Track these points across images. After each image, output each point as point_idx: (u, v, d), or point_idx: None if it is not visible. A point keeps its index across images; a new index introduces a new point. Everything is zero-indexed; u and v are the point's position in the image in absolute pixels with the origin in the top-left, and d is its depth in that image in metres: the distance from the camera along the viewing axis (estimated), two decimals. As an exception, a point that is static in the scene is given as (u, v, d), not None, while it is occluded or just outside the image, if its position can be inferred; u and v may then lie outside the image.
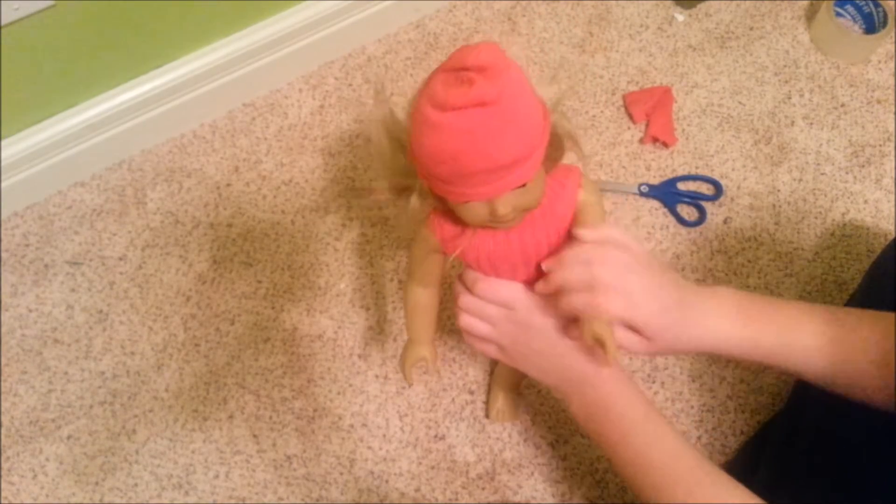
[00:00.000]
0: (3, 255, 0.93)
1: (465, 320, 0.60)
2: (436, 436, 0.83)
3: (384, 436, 0.83)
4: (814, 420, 0.66)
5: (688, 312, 0.54)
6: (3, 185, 0.91)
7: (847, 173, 0.98)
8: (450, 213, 0.53)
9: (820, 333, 0.54)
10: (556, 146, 0.51)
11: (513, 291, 0.57)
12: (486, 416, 0.83)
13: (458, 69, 0.43)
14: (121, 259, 0.92)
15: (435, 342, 0.64)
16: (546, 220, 0.53)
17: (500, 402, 0.82)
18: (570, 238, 0.55)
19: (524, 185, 0.47)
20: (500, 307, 0.58)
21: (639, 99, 1.01)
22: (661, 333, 0.54)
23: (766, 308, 0.56)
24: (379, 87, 0.55)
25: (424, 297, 0.62)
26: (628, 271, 0.52)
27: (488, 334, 0.59)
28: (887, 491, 0.55)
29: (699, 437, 0.82)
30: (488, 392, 0.84)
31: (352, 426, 0.84)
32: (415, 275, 0.61)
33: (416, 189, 0.52)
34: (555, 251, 0.55)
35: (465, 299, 0.59)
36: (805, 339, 0.54)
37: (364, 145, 0.52)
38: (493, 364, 0.86)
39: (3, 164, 0.89)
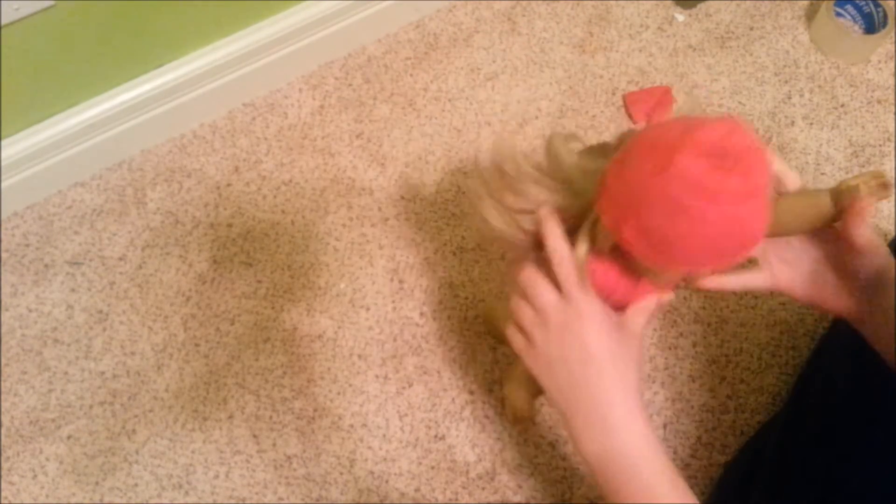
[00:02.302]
0: (3, 255, 0.93)
1: (515, 300, 0.54)
2: (436, 436, 0.83)
3: (384, 436, 0.83)
4: (814, 420, 0.66)
5: None
6: (3, 185, 0.91)
7: (847, 173, 0.98)
8: (606, 263, 0.50)
9: None
10: None
11: (583, 291, 0.51)
12: (506, 413, 0.82)
13: (721, 154, 0.41)
14: (121, 259, 0.92)
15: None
16: None
17: (520, 401, 0.81)
18: None
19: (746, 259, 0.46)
20: (554, 297, 0.51)
21: (639, 99, 1.01)
22: None
23: None
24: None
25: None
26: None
27: (529, 321, 0.53)
28: (887, 490, 0.55)
29: (699, 437, 0.82)
30: (506, 391, 0.83)
31: (352, 426, 0.84)
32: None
33: (583, 235, 0.49)
34: None
35: (528, 272, 0.53)
36: None
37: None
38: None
39: (3, 164, 0.89)
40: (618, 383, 0.49)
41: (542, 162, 0.51)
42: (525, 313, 0.53)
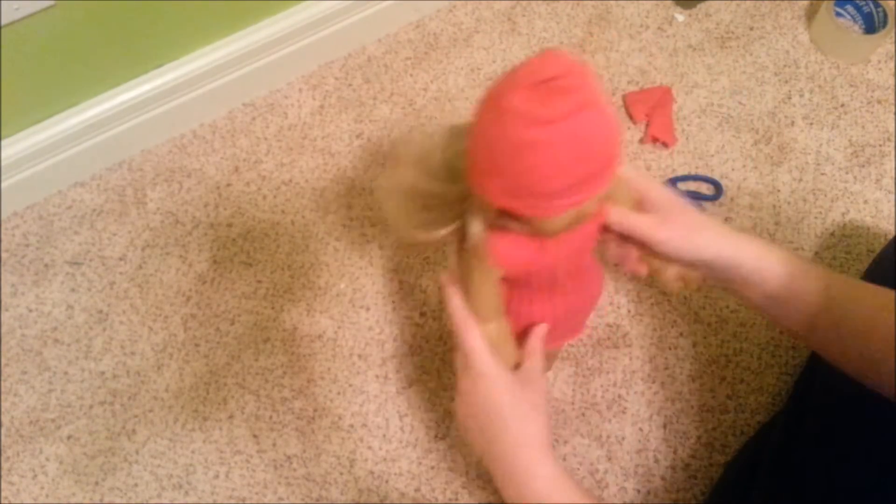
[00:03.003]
0: (3, 255, 0.93)
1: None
2: (436, 436, 0.83)
3: (384, 436, 0.83)
4: (813, 420, 0.66)
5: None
6: (3, 185, 0.91)
7: (847, 173, 0.98)
8: (512, 237, 0.50)
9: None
10: None
11: (481, 352, 0.55)
12: None
13: (542, 81, 0.41)
14: (121, 259, 0.92)
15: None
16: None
17: None
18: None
19: (615, 175, 0.47)
20: (461, 364, 0.57)
21: (639, 99, 1.01)
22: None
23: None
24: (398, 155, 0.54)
25: (497, 333, 0.57)
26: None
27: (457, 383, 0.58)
28: (887, 491, 0.55)
29: (699, 437, 0.83)
30: None
31: (352, 426, 0.84)
32: (480, 315, 0.56)
33: (471, 216, 0.49)
34: (593, 242, 0.56)
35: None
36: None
37: (388, 196, 0.50)
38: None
39: (3, 164, 0.89)
40: (520, 437, 0.53)
41: (421, 158, 0.52)
42: (459, 381, 0.58)
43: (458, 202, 0.50)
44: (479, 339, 0.55)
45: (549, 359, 0.77)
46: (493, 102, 0.43)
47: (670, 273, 0.57)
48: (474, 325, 0.56)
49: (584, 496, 0.53)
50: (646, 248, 0.56)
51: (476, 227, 0.50)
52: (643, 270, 0.59)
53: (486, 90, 0.44)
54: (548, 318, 0.60)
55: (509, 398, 0.54)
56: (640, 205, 0.57)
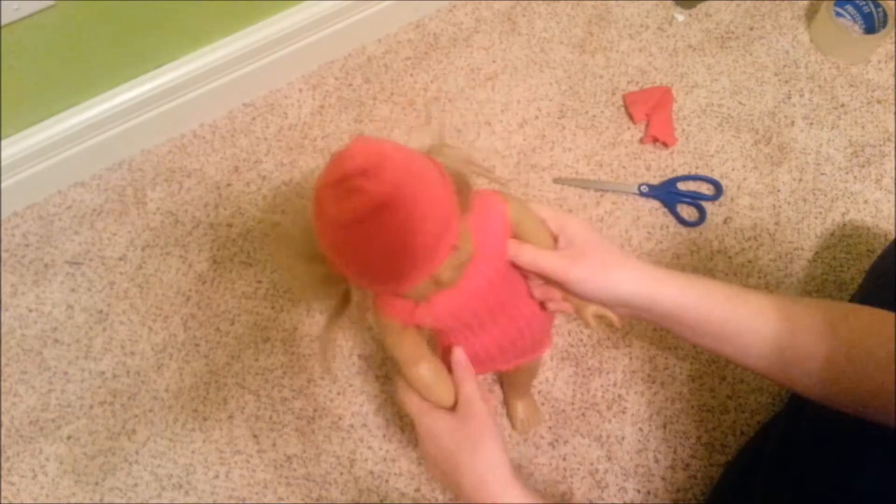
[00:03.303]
0: (3, 255, 0.93)
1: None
2: (436, 436, 0.83)
3: (384, 436, 0.83)
4: (813, 420, 0.66)
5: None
6: (3, 185, 0.91)
7: (847, 173, 0.98)
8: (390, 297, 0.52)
9: (767, 304, 0.54)
10: (461, 190, 0.48)
11: (411, 402, 0.57)
12: (513, 428, 0.83)
13: (340, 181, 0.41)
14: (121, 259, 0.92)
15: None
16: (486, 258, 0.52)
17: (521, 411, 0.82)
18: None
19: (455, 248, 0.46)
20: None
21: (639, 99, 1.01)
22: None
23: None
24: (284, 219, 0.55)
25: (430, 372, 0.57)
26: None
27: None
28: (888, 491, 0.55)
29: (699, 437, 0.82)
30: (505, 406, 0.84)
31: (352, 426, 0.84)
32: (404, 362, 0.56)
33: (349, 287, 0.50)
34: (507, 280, 0.55)
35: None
36: (754, 300, 0.54)
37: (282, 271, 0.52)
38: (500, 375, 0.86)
39: (3, 164, 0.89)
40: (474, 475, 0.54)
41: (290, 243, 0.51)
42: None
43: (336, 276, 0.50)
44: (405, 389, 0.57)
45: (528, 372, 0.77)
46: (314, 195, 0.44)
47: (589, 312, 0.56)
48: (400, 378, 0.57)
49: (536, 498, 0.53)
50: (562, 288, 0.55)
51: (357, 296, 0.50)
52: (568, 309, 0.58)
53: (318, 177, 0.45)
54: (491, 348, 0.59)
55: (450, 439, 0.55)
56: (557, 241, 0.56)
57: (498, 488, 0.53)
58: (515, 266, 0.55)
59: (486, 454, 0.54)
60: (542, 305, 0.59)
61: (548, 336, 0.64)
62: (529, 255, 0.54)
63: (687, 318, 0.54)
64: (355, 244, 0.43)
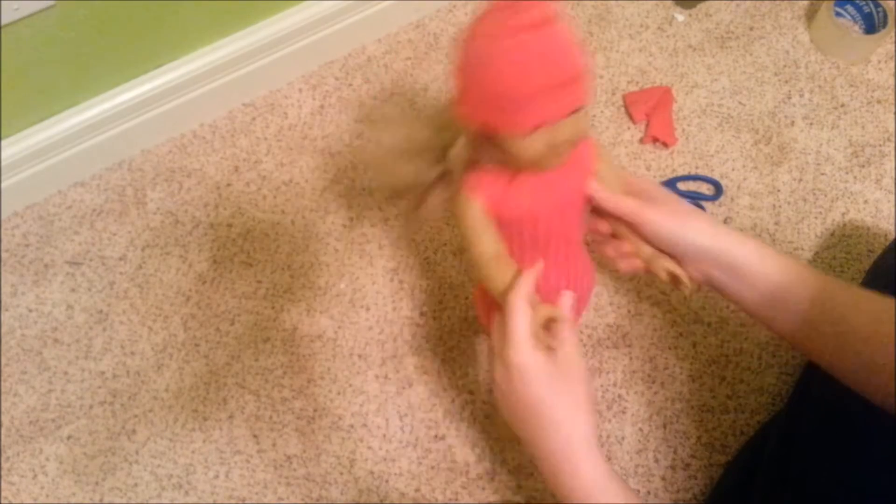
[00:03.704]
0: (3, 255, 0.93)
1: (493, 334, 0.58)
2: (436, 436, 0.83)
3: (384, 436, 0.83)
4: (814, 420, 0.66)
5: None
6: (3, 185, 0.91)
7: (847, 173, 0.98)
8: (486, 170, 0.54)
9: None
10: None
11: (522, 341, 0.53)
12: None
13: (510, 7, 0.46)
14: (121, 259, 0.92)
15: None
16: (575, 168, 0.56)
17: None
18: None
19: (581, 109, 0.49)
20: (497, 362, 0.55)
21: (639, 99, 1.01)
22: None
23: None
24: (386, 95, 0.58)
25: (510, 269, 0.57)
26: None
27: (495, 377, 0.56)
28: (887, 491, 0.55)
29: (699, 437, 0.83)
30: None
31: (352, 426, 0.84)
32: (480, 252, 0.56)
33: (455, 147, 0.54)
34: (585, 202, 0.58)
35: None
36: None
37: (375, 147, 0.53)
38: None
39: (3, 164, 0.89)
40: (560, 436, 0.52)
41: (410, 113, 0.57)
42: (494, 367, 0.56)
43: (442, 150, 0.55)
44: (524, 325, 0.52)
45: None
46: (470, 28, 0.49)
47: (660, 265, 0.56)
48: (526, 312, 0.53)
49: (629, 496, 0.51)
50: (636, 234, 0.56)
51: (456, 149, 0.54)
52: (637, 265, 0.59)
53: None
54: (555, 281, 0.60)
55: (549, 394, 0.52)
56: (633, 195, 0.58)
57: (581, 455, 0.51)
58: (593, 210, 0.58)
59: (577, 420, 0.52)
60: (615, 262, 0.61)
61: (580, 316, 0.68)
62: (609, 194, 0.56)
63: (754, 280, 0.54)
64: (525, 49, 0.46)
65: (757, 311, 0.56)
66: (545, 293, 0.60)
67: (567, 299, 0.58)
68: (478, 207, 0.56)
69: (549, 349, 0.54)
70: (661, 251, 0.57)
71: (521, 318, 0.53)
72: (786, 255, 0.55)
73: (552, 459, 0.52)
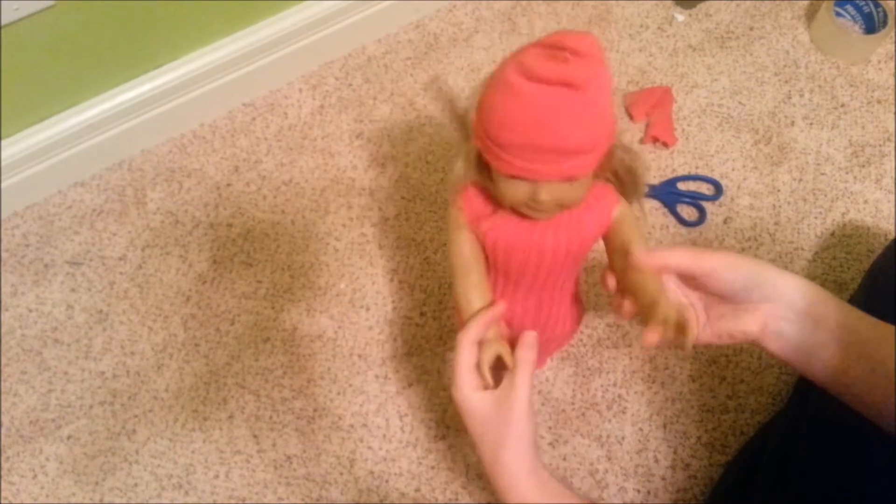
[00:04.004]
0: (3, 255, 0.93)
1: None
2: (436, 436, 0.83)
3: (384, 436, 0.83)
4: (813, 420, 0.66)
5: None
6: (3, 185, 0.91)
7: (847, 173, 0.98)
8: (484, 191, 0.54)
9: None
10: (618, 172, 0.53)
11: (460, 374, 0.56)
12: None
13: (554, 47, 0.44)
14: (121, 259, 0.92)
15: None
16: (572, 226, 0.54)
17: None
18: (623, 254, 0.55)
19: (572, 181, 0.48)
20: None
21: (639, 99, 1.01)
22: None
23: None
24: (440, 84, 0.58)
25: (477, 292, 0.59)
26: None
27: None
28: (887, 491, 0.55)
29: (699, 437, 0.82)
30: None
31: (352, 426, 0.84)
32: (457, 268, 0.58)
33: (462, 155, 0.53)
34: (571, 258, 0.56)
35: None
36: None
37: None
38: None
39: (3, 164, 0.89)
40: (495, 462, 0.55)
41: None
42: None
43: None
44: (466, 366, 0.56)
45: None
46: (518, 51, 0.46)
47: (671, 315, 0.52)
48: (471, 351, 0.56)
49: (569, 497, 0.55)
50: (693, 287, 0.56)
51: (458, 163, 0.53)
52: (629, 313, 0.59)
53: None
54: (524, 318, 0.61)
55: (479, 423, 0.56)
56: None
57: (516, 479, 0.55)
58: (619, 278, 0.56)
59: (509, 447, 0.55)
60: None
61: (546, 357, 0.66)
62: (660, 254, 0.55)
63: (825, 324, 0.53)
64: (523, 100, 0.44)
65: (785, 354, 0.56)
66: (515, 327, 0.60)
67: (528, 338, 0.59)
68: (464, 223, 0.56)
69: (492, 387, 0.57)
70: (724, 297, 0.55)
71: (465, 357, 0.56)
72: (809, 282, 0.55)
73: (492, 478, 0.57)
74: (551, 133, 0.45)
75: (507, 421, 0.55)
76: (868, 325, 0.52)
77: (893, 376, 0.50)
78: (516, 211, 0.53)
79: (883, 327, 0.52)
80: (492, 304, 0.59)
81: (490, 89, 0.47)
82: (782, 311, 0.54)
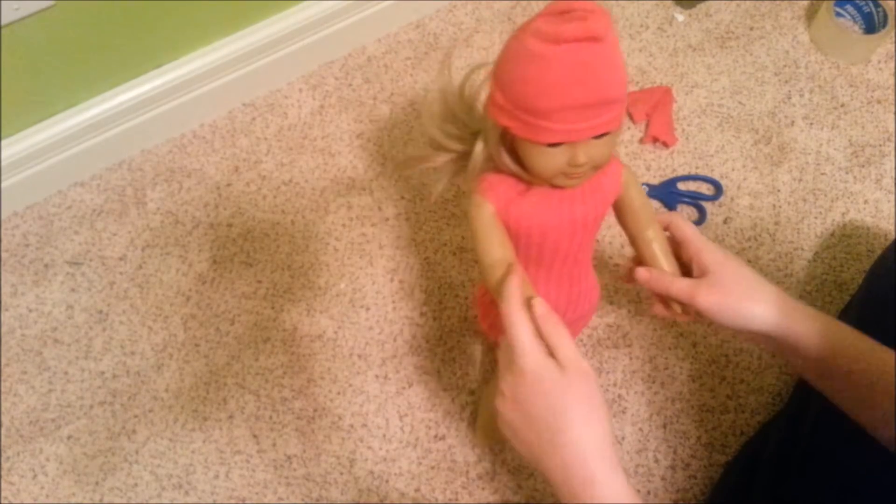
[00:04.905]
0: (3, 255, 0.93)
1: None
2: (436, 436, 0.83)
3: (384, 436, 0.83)
4: (814, 420, 0.66)
5: None
6: (3, 185, 0.91)
7: (847, 173, 0.98)
8: (504, 175, 0.54)
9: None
10: None
11: (528, 348, 0.50)
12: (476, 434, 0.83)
13: (564, 11, 0.45)
14: (121, 259, 0.92)
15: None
16: (596, 192, 0.55)
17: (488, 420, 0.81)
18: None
19: (611, 133, 0.49)
20: (510, 366, 0.51)
21: (639, 99, 1.01)
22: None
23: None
24: (446, 58, 0.58)
25: (506, 260, 0.56)
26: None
27: (503, 385, 0.52)
28: (886, 490, 0.55)
29: (699, 437, 0.82)
30: (477, 408, 0.84)
31: (352, 426, 0.84)
32: (486, 255, 0.55)
33: (478, 140, 0.53)
34: (596, 225, 0.58)
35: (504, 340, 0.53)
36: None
37: (421, 112, 0.55)
38: (483, 378, 0.86)
39: (3, 164, 0.89)
40: (579, 443, 0.48)
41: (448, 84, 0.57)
42: (502, 378, 0.53)
43: (472, 135, 0.55)
44: (526, 332, 0.50)
45: None
46: (519, 28, 0.47)
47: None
48: (524, 318, 0.50)
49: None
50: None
51: (479, 148, 0.54)
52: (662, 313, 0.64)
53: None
54: (552, 298, 0.60)
55: (564, 401, 0.49)
56: (689, 265, 0.59)
57: (596, 465, 0.48)
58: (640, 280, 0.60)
59: (594, 424, 0.49)
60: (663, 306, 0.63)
61: (591, 315, 0.69)
62: (659, 281, 0.57)
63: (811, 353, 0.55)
64: (555, 63, 0.45)
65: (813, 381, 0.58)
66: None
67: (540, 304, 0.52)
68: (489, 210, 0.55)
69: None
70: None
71: (522, 325, 0.50)
72: (837, 323, 0.56)
73: (565, 470, 0.49)
74: (595, 86, 0.46)
75: (588, 381, 0.50)
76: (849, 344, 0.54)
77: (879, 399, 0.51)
78: (546, 186, 0.53)
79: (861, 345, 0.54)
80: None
81: (509, 65, 0.47)
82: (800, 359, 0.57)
